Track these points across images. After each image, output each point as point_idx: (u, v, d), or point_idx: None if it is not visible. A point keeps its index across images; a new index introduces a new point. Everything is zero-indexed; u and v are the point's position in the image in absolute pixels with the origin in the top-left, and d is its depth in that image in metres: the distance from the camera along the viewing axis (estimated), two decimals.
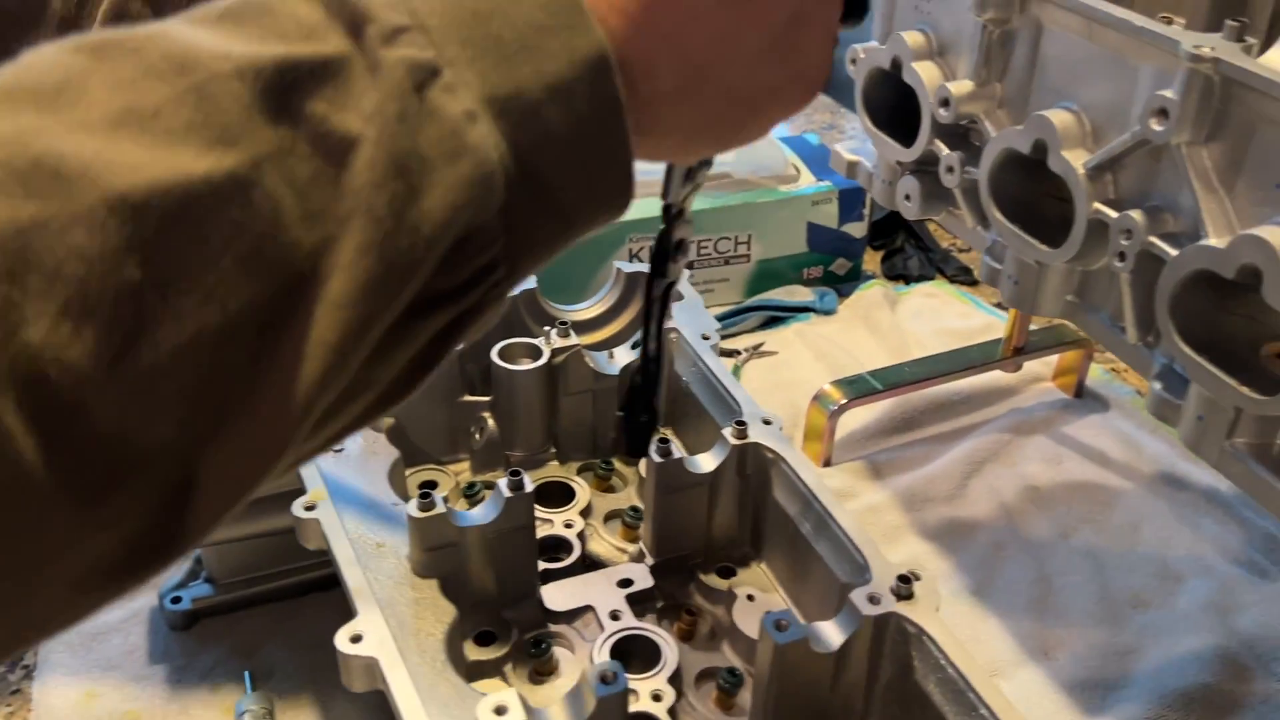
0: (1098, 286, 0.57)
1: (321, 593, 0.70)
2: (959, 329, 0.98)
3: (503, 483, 0.56)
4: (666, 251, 0.47)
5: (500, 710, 0.44)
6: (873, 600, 0.50)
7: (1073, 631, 0.71)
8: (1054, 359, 0.93)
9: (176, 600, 0.68)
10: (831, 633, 0.50)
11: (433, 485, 0.67)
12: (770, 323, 1.00)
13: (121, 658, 0.66)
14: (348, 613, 0.66)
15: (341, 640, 0.48)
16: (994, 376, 0.92)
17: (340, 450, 0.61)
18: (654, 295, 0.49)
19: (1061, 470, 0.84)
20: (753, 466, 0.61)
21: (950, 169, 0.61)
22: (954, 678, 0.48)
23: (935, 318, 1.01)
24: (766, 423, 0.61)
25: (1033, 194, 0.58)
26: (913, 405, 0.89)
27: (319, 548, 0.55)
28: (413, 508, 0.54)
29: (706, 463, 0.60)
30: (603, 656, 0.55)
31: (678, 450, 0.60)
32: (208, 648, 0.67)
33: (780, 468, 0.60)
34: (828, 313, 1.01)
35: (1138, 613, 0.72)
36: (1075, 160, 0.53)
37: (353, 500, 0.56)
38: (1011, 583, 0.74)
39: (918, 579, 0.51)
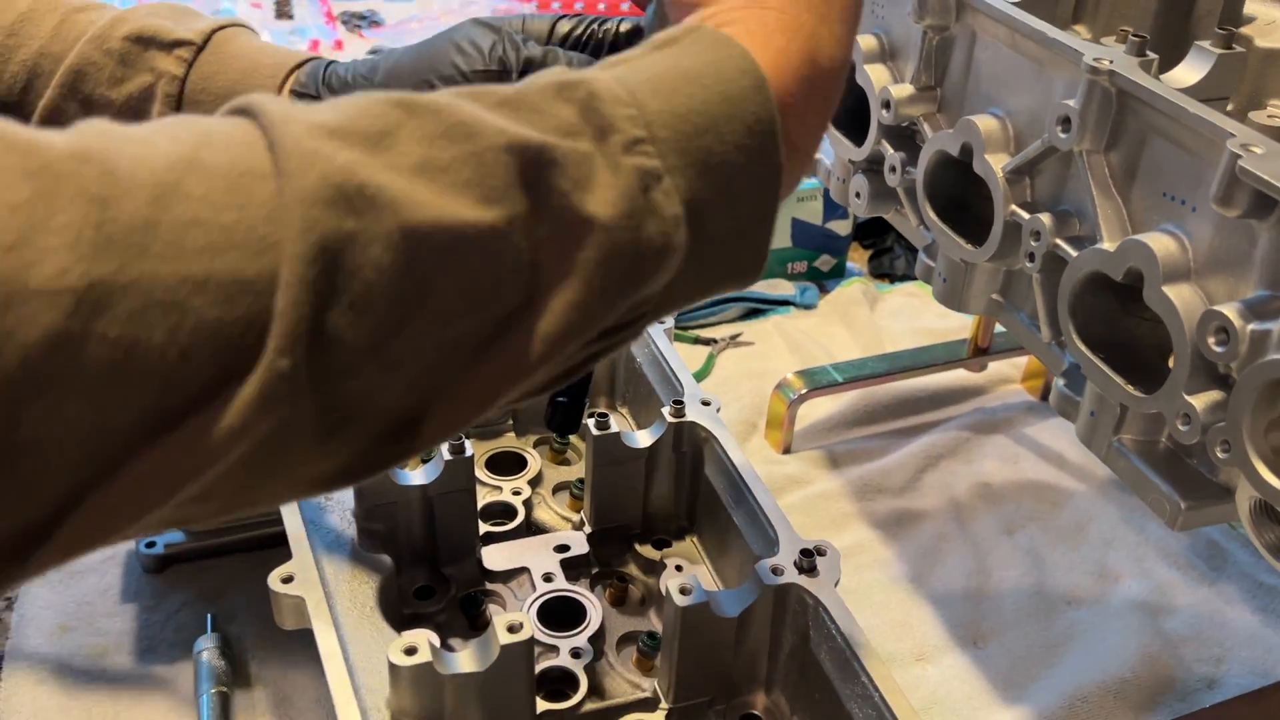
0: (1018, 287, 0.59)
1: (285, 547, 0.74)
2: (935, 328, 1.00)
3: (445, 446, 0.60)
4: None
5: (410, 650, 0.48)
6: (775, 571, 0.53)
7: (1004, 623, 0.73)
8: (1023, 361, 0.94)
9: (151, 545, 0.73)
10: (733, 600, 0.53)
11: None
12: (751, 314, 1.03)
13: (95, 596, 0.71)
14: None
15: (274, 580, 0.51)
16: (962, 376, 0.94)
17: None
18: None
19: (1017, 469, 0.86)
20: (688, 444, 0.64)
21: (893, 168, 0.64)
22: (842, 648, 0.50)
23: (914, 316, 1.03)
24: (705, 403, 0.64)
25: (966, 196, 0.60)
26: (878, 400, 0.91)
27: None
28: None
29: (644, 438, 0.63)
30: (530, 614, 0.59)
31: (615, 425, 0.63)
32: (177, 591, 0.71)
33: (712, 446, 0.63)
34: (808, 307, 1.03)
35: (1071, 609, 0.74)
36: (996, 164, 0.55)
37: None
38: (950, 573, 0.76)
39: (821, 554, 0.54)
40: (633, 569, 0.65)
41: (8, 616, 0.70)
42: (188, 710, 0.64)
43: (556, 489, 0.71)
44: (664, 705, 0.55)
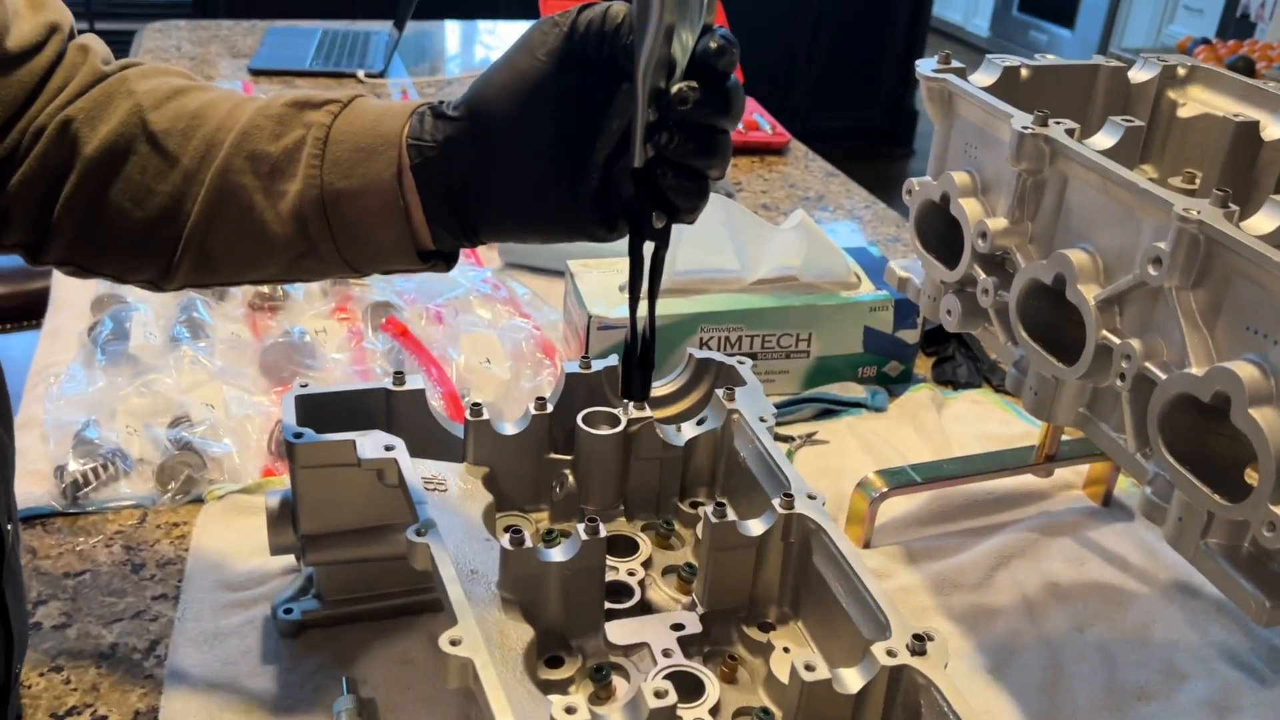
0: (1105, 401, 0.66)
1: (411, 617, 0.80)
2: (999, 434, 1.07)
3: (581, 527, 0.66)
4: (639, 214, 0.60)
5: (570, 710, 0.53)
6: (890, 654, 0.59)
7: (1079, 715, 0.78)
8: (1085, 469, 1.00)
9: (289, 611, 0.79)
10: (852, 678, 0.58)
11: (518, 530, 0.77)
12: (824, 414, 1.09)
13: (239, 657, 0.77)
14: (432, 636, 0.76)
15: (444, 642, 0.57)
16: (1027, 480, 1.00)
17: (444, 490, 0.72)
18: (637, 257, 0.62)
19: (1083, 570, 0.91)
20: (796, 535, 0.70)
21: (985, 291, 0.71)
22: None
23: (978, 422, 1.10)
24: (811, 497, 0.71)
25: (1054, 318, 0.67)
26: (950, 500, 0.97)
27: (425, 569, 0.65)
28: (506, 542, 0.64)
29: (756, 527, 0.70)
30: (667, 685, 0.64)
31: (731, 514, 0.69)
32: (312, 655, 0.77)
33: (820, 537, 0.69)
34: (878, 409, 1.10)
35: (1141, 704, 0.79)
36: (1088, 293, 0.62)
37: (453, 533, 0.67)
38: (1026, 667, 0.81)
39: (931, 639, 0.59)
40: (741, 649, 0.71)
41: (158, 671, 0.76)
42: None
43: (665, 571, 0.77)
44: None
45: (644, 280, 0.63)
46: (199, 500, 0.92)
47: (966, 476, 0.94)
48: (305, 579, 0.82)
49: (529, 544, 0.65)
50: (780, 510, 0.69)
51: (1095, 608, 0.87)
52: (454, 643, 0.58)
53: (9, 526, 0.64)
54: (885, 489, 0.91)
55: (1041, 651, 0.82)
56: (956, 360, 1.20)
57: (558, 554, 0.66)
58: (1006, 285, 0.70)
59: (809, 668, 0.58)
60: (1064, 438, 0.96)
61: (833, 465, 1.01)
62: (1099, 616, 0.86)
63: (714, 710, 0.64)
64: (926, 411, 1.09)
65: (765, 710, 0.65)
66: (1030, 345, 0.66)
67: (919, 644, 0.59)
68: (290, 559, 0.85)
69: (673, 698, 0.54)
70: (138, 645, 0.78)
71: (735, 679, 0.69)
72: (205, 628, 0.79)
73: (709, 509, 0.69)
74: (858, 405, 1.10)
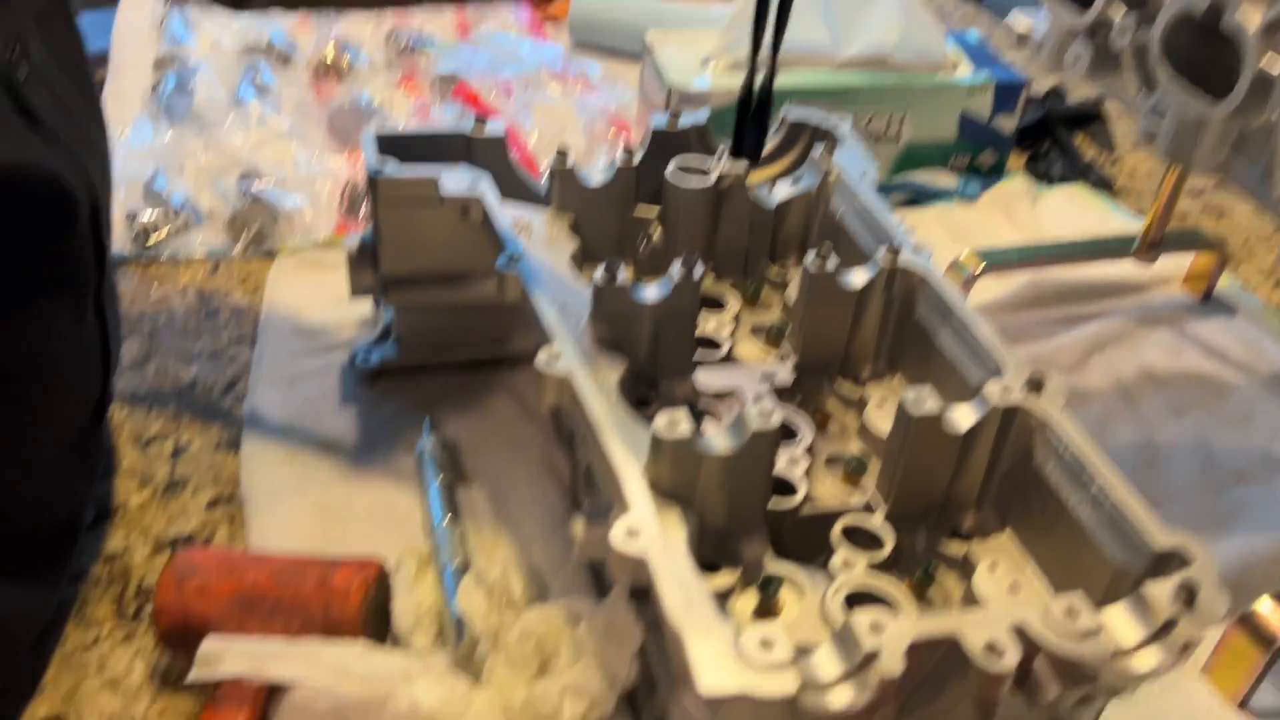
0: (1253, 144, 0.60)
1: (490, 370, 0.79)
2: (1096, 229, 1.02)
3: (676, 267, 0.63)
4: None
5: (672, 424, 0.51)
6: (1005, 391, 0.56)
7: (1175, 493, 0.75)
8: (1186, 264, 0.95)
9: (367, 357, 0.77)
10: (964, 415, 0.56)
11: (613, 263, 0.73)
12: (911, 202, 1.04)
13: (318, 398, 0.76)
14: (513, 389, 0.74)
15: (541, 359, 0.55)
16: (1126, 271, 0.96)
17: (530, 233, 0.69)
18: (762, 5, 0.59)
19: (1180, 360, 0.88)
20: (900, 288, 0.67)
21: (1123, 31, 0.65)
22: (1072, 460, 0.53)
23: (1074, 217, 1.04)
24: (916, 250, 0.67)
25: (1197, 56, 0.62)
26: (1045, 287, 0.93)
27: (515, 298, 0.62)
28: (599, 278, 0.62)
29: (858, 278, 0.66)
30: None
31: (831, 264, 0.66)
32: (391, 399, 0.76)
33: (926, 288, 0.65)
34: (970, 199, 1.05)
35: (1239, 486, 0.76)
36: (1251, 16, 0.56)
37: (541, 272, 0.64)
38: (1120, 447, 0.79)
39: (1047, 380, 0.56)
40: (833, 403, 0.68)
41: (237, 408, 0.75)
42: (412, 496, 0.69)
43: (753, 330, 0.74)
44: (879, 512, 0.59)
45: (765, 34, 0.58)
46: (271, 254, 0.90)
47: (1065, 258, 0.90)
48: (383, 329, 0.80)
49: (622, 280, 0.62)
50: (883, 263, 0.66)
51: (1193, 396, 0.84)
52: (551, 359, 0.56)
53: (109, 242, 0.62)
54: (979, 269, 0.87)
55: (1138, 433, 0.80)
56: (1052, 157, 1.14)
57: (651, 292, 0.63)
58: (1146, 23, 0.64)
59: (918, 401, 0.55)
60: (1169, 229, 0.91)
61: None
62: (1196, 404, 0.83)
63: (808, 450, 0.62)
64: (1020, 203, 1.04)
65: (859, 458, 0.63)
66: (1175, 83, 0.61)
67: (1034, 383, 0.56)
68: (366, 311, 0.84)
69: (778, 416, 0.52)
70: (216, 383, 0.77)
71: (825, 429, 0.67)
72: (283, 370, 0.78)
73: (808, 258, 0.65)
74: (948, 194, 1.05)
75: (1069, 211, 1.05)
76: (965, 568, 0.57)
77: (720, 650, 0.42)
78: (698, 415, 0.65)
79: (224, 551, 0.59)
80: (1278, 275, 1.00)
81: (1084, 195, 1.08)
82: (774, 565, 0.56)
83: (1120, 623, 0.45)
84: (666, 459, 0.52)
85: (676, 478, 0.52)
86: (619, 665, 0.54)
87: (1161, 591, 0.45)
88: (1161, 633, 0.44)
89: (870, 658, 0.42)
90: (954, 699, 0.46)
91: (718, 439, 0.53)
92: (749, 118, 0.61)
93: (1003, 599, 0.52)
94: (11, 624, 0.52)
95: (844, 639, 0.44)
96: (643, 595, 0.56)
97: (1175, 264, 0.96)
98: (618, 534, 0.47)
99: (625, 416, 0.55)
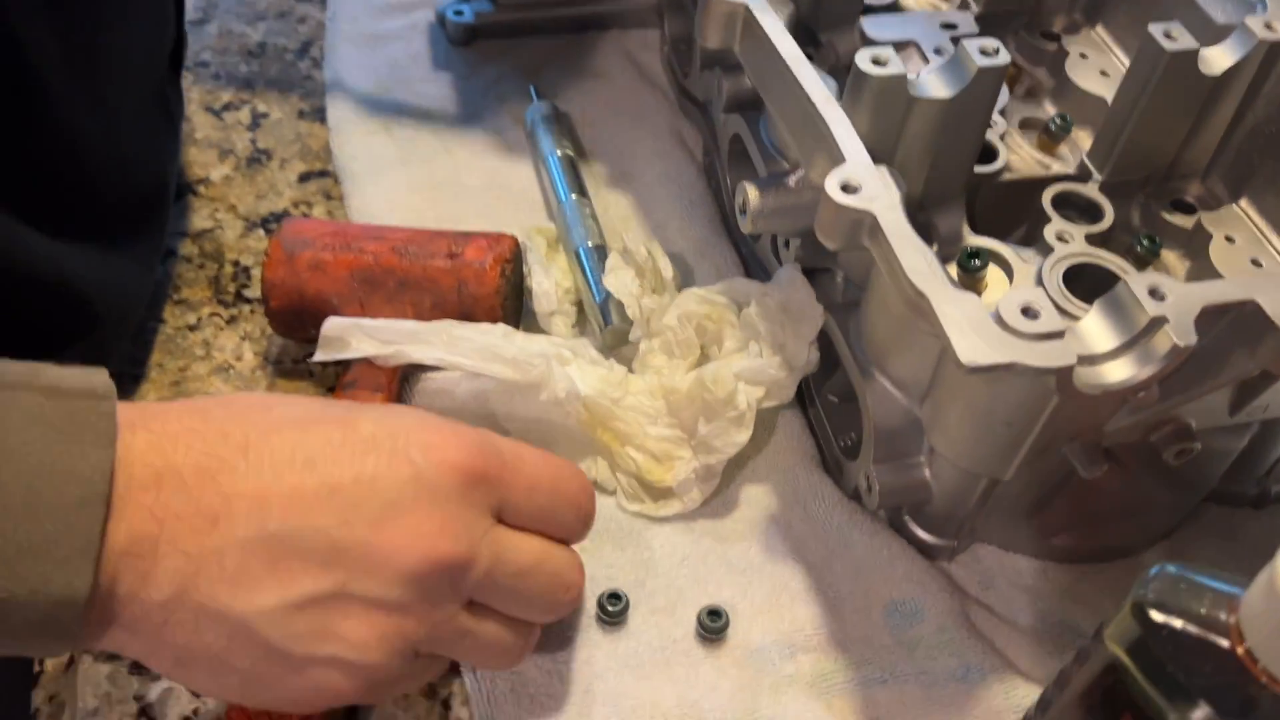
0: None
1: (598, 31, 0.68)
2: None
3: None
4: None
5: (879, 59, 0.42)
6: (1269, 26, 0.46)
7: None
8: None
9: (459, 13, 0.67)
10: (1220, 55, 0.46)
11: None
12: None
13: (406, 62, 0.66)
14: (627, 50, 0.64)
15: None
16: None
17: None
18: None
19: None
20: None
21: None
22: None
23: None
24: None
25: None
26: None
27: None
28: None
29: None
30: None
31: None
32: (491, 63, 0.66)
33: None
34: None
35: None
36: None
37: None
38: None
39: None
40: (1022, 58, 0.58)
41: (316, 73, 0.66)
42: (527, 170, 0.60)
43: None
44: (1097, 178, 0.50)
45: None
46: None
47: None
48: None
49: None
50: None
51: None
52: None
53: None
54: None
55: None
56: None
57: None
58: None
59: (1169, 35, 0.45)
60: None
61: None
62: None
63: (1000, 113, 0.53)
64: None
65: (1063, 116, 0.53)
66: None
67: None
68: None
69: (1005, 55, 0.43)
70: (289, 45, 0.67)
71: (1011, 91, 0.57)
72: (363, 29, 0.68)
73: None
74: None
75: None
76: (1192, 242, 0.49)
77: (976, 318, 0.35)
78: None
79: (335, 223, 0.51)
80: None
81: None
82: (972, 239, 0.48)
83: None
84: (867, 106, 0.43)
85: (878, 129, 0.43)
86: (798, 348, 0.48)
87: None
88: None
89: (1155, 323, 0.35)
90: (1226, 377, 0.39)
91: (934, 80, 0.43)
92: None
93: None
94: (117, 297, 0.46)
95: (1114, 306, 0.37)
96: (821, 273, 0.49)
97: None
98: (832, 187, 0.39)
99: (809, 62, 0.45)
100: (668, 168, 0.61)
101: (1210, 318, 0.36)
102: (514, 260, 0.51)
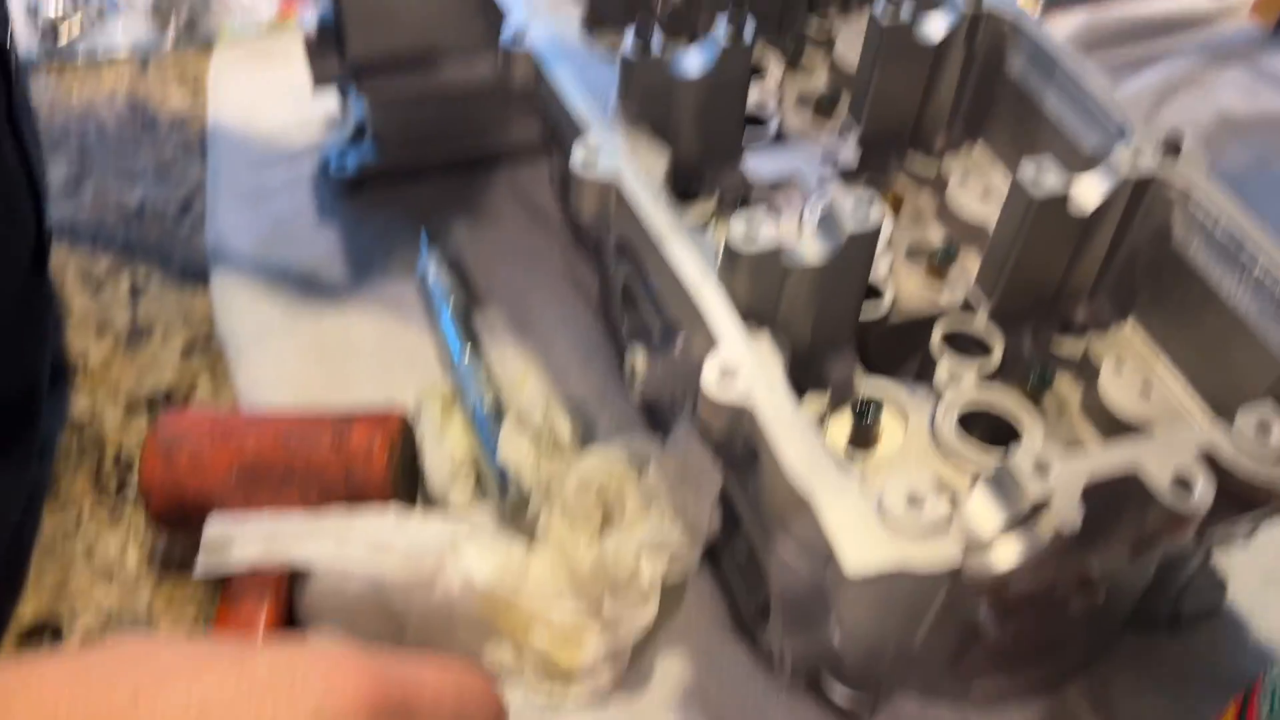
0: None
1: (487, 168, 0.68)
2: None
3: (721, 27, 0.51)
4: None
5: (751, 230, 0.42)
6: (1136, 157, 0.46)
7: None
8: None
9: (342, 164, 0.66)
10: (1089, 190, 0.47)
11: (644, 28, 0.60)
12: None
13: (291, 216, 0.65)
14: (517, 185, 0.63)
15: (576, 158, 0.45)
16: (1188, 4, 0.84)
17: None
18: None
19: (1258, 102, 0.78)
20: (984, 37, 0.55)
21: None
22: (1223, 239, 0.44)
23: None
24: None
25: None
26: (1104, 27, 0.82)
27: (526, 81, 0.51)
28: (628, 48, 0.50)
29: (935, 29, 0.55)
30: (814, 214, 0.52)
31: (906, 12, 0.54)
32: (378, 211, 0.65)
33: (1018, 37, 0.54)
34: None
35: None
36: None
37: (548, 44, 0.52)
38: None
39: (1182, 144, 0.47)
40: (905, 183, 0.59)
41: (198, 236, 0.64)
42: (420, 326, 0.59)
43: (800, 100, 0.63)
44: (987, 304, 0.50)
45: None
46: (209, 45, 0.76)
47: None
48: (356, 128, 0.68)
49: (657, 51, 0.50)
50: (966, 9, 0.54)
51: (1276, 144, 0.75)
52: (590, 157, 0.45)
53: (9, 41, 0.49)
54: (1037, 8, 0.75)
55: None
56: None
57: (694, 62, 0.52)
58: None
59: (1037, 180, 0.45)
60: None
61: None
62: None
63: (887, 243, 0.53)
64: None
65: (947, 248, 0.53)
66: None
67: (1172, 146, 0.47)
68: (333, 106, 0.71)
69: (878, 212, 0.43)
70: (168, 205, 0.66)
71: (897, 216, 0.57)
72: (245, 185, 0.66)
73: (877, 6, 0.54)
74: None
75: None
76: (1083, 368, 0.50)
77: (860, 516, 0.34)
78: (752, 204, 0.56)
79: (212, 413, 0.49)
80: None
81: None
82: (865, 384, 0.48)
83: None
84: (744, 274, 0.42)
85: (756, 295, 0.43)
86: (699, 513, 0.47)
87: None
88: None
89: (1039, 507, 0.35)
90: (1122, 535, 0.39)
91: (808, 247, 0.43)
92: None
93: (1168, 418, 0.45)
94: None
95: (1002, 485, 0.36)
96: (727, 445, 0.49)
97: None
98: (710, 377, 0.38)
99: (684, 224, 0.45)
100: (564, 312, 0.60)
101: (1096, 491, 0.36)
102: (403, 436, 0.50)
